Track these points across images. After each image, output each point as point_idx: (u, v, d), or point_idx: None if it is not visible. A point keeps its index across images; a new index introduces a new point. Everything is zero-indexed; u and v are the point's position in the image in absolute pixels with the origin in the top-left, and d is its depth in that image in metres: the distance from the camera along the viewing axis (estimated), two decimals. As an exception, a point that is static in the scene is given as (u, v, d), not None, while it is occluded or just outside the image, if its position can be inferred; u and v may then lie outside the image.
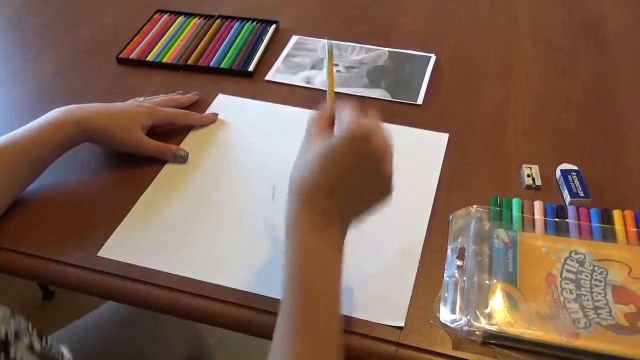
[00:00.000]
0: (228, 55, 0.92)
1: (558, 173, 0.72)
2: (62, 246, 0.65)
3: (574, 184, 0.69)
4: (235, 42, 0.95)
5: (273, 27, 0.98)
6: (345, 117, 0.50)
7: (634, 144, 0.77)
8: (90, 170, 0.74)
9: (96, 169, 0.74)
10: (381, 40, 0.97)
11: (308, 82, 0.88)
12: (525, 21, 1.01)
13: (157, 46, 0.95)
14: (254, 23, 1.00)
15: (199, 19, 1.01)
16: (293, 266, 0.50)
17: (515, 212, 0.66)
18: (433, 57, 0.92)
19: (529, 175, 0.71)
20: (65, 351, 0.53)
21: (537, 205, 0.67)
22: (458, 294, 0.59)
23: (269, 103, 0.84)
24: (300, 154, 0.53)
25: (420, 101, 0.84)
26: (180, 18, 1.01)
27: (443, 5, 1.06)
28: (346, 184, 0.50)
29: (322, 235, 0.50)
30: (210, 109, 0.83)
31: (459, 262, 0.62)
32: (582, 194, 0.68)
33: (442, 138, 0.78)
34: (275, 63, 0.92)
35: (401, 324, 0.57)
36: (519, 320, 0.56)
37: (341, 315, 0.51)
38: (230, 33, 0.97)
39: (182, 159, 0.75)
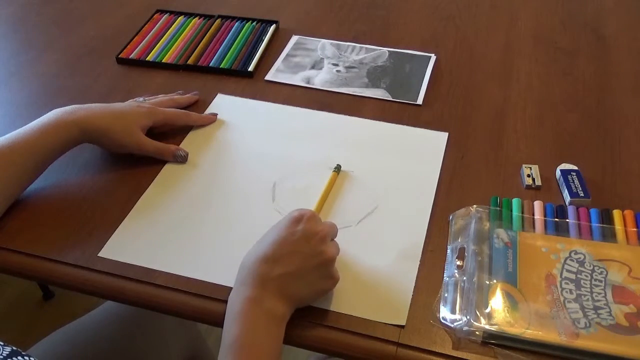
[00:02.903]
0: (228, 55, 0.92)
1: (558, 173, 0.72)
2: (62, 246, 0.65)
3: (574, 184, 0.69)
4: (235, 42, 0.95)
5: (273, 27, 0.98)
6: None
7: (634, 144, 0.77)
8: (90, 171, 0.74)
9: (96, 169, 0.74)
10: (381, 40, 0.97)
11: (308, 82, 0.88)
12: (525, 21, 1.01)
13: (157, 46, 0.95)
14: (254, 23, 1.00)
15: (199, 19, 1.01)
16: (230, 335, 0.52)
17: (515, 212, 0.66)
18: (433, 57, 0.92)
19: (529, 175, 0.71)
20: None
21: (537, 205, 0.67)
22: (458, 294, 0.59)
23: (269, 103, 0.84)
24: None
25: (420, 101, 0.84)
26: (180, 18, 1.01)
27: (443, 5, 1.06)
28: (285, 256, 0.55)
29: (263, 317, 0.53)
30: (210, 109, 0.83)
31: (459, 262, 0.62)
32: (582, 194, 0.68)
33: (442, 138, 0.78)
34: (275, 63, 0.92)
35: (402, 322, 0.57)
36: (519, 320, 0.56)
37: None
38: (230, 33, 0.97)
39: (181, 159, 0.75)
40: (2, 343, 0.47)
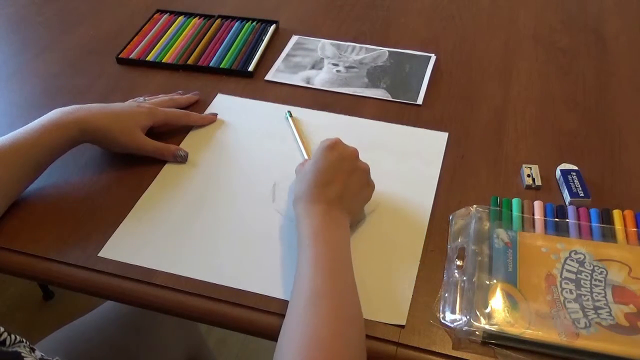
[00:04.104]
0: (228, 55, 0.92)
1: (558, 173, 0.72)
2: (62, 246, 0.65)
3: (574, 184, 0.69)
4: (235, 42, 0.95)
5: (273, 27, 0.98)
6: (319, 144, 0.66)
7: (634, 144, 0.77)
8: (90, 171, 0.74)
9: (96, 169, 0.74)
10: (381, 40, 0.97)
11: (308, 82, 0.88)
12: (525, 21, 1.01)
13: (157, 46, 0.95)
14: (254, 23, 1.00)
15: (199, 19, 1.01)
16: (310, 247, 0.57)
17: (515, 212, 0.66)
18: (433, 57, 0.92)
19: (529, 175, 0.71)
20: None
21: (537, 205, 0.67)
22: (458, 294, 0.59)
23: (269, 103, 0.84)
24: (294, 183, 0.67)
25: (420, 101, 0.84)
26: (180, 18, 1.01)
27: (443, 5, 1.06)
28: (334, 177, 0.62)
29: (331, 218, 0.60)
30: (210, 109, 0.83)
31: (459, 262, 0.62)
32: (582, 194, 0.68)
33: (442, 138, 0.78)
34: (275, 63, 0.92)
35: (402, 322, 0.57)
36: (519, 320, 0.56)
37: (355, 283, 0.57)
38: (230, 33, 0.97)
39: (181, 159, 0.75)
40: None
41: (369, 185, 0.66)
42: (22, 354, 0.45)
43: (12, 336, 0.48)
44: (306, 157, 0.74)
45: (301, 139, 0.77)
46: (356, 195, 0.64)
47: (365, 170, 0.65)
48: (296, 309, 0.53)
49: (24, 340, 0.49)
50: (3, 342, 0.47)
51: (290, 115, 0.80)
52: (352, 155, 0.65)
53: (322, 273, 0.55)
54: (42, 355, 0.48)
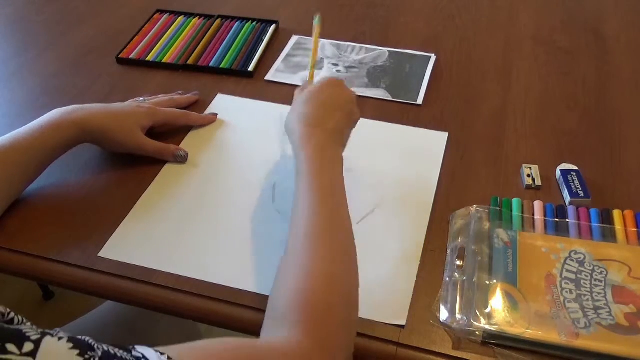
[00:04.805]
0: (228, 55, 0.92)
1: (558, 173, 0.72)
2: (62, 246, 0.65)
3: (574, 184, 0.69)
4: (235, 42, 0.95)
5: (273, 27, 0.98)
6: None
7: (634, 144, 0.77)
8: (90, 171, 0.74)
9: (96, 169, 0.74)
10: (381, 40, 0.97)
11: (308, 82, 0.88)
12: (525, 21, 1.01)
13: (157, 46, 0.95)
14: (254, 23, 1.00)
15: (199, 19, 1.01)
16: (302, 172, 0.59)
17: (515, 212, 0.66)
18: (433, 57, 0.92)
19: (529, 175, 0.71)
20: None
21: (537, 205, 0.67)
22: (458, 294, 0.59)
23: (269, 103, 0.84)
24: (291, 110, 0.67)
25: (420, 101, 0.84)
26: (180, 18, 1.01)
27: (443, 5, 1.06)
28: (317, 103, 0.65)
29: (327, 154, 0.61)
30: (210, 109, 0.83)
31: (459, 262, 0.62)
32: (582, 194, 0.68)
33: (442, 138, 0.78)
34: (275, 63, 0.92)
35: (402, 322, 0.57)
36: (519, 320, 0.56)
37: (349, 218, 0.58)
38: (230, 33, 0.97)
39: (181, 159, 0.75)
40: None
41: (356, 112, 0.68)
42: (24, 330, 0.45)
43: (19, 317, 0.48)
44: (308, 78, 0.75)
45: (313, 56, 0.76)
46: (341, 119, 0.66)
47: (352, 99, 0.68)
48: (294, 245, 0.55)
49: (30, 323, 0.49)
50: (11, 321, 0.47)
51: (318, 21, 0.77)
52: (337, 85, 0.68)
53: (320, 210, 0.56)
54: (43, 330, 0.48)
